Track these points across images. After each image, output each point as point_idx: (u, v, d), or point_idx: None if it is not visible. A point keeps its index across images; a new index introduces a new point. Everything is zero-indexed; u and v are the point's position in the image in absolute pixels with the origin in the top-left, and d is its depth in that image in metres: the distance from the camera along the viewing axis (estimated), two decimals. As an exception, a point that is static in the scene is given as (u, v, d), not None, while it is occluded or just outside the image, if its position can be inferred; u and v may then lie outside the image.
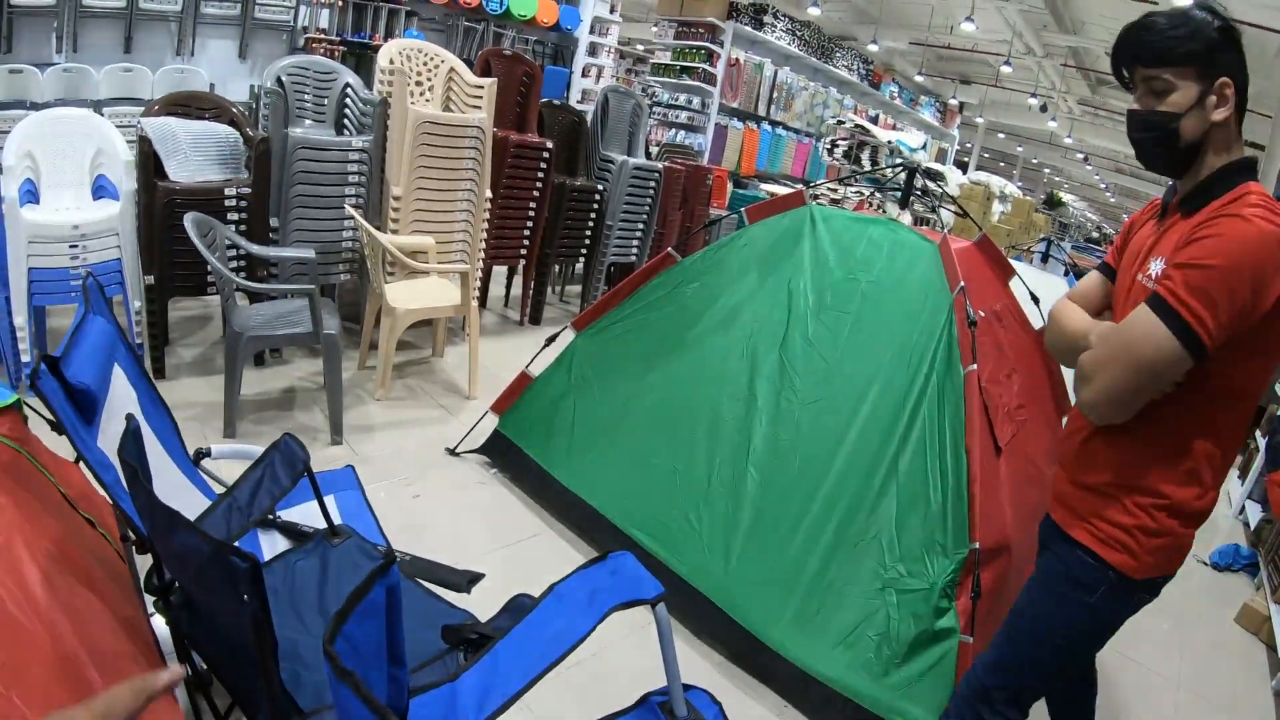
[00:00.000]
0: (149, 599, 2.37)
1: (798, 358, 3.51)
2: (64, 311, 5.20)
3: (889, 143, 10.39)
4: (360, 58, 9.06)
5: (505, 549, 3.73)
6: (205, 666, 2.27)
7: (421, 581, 2.68)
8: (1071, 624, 2.14)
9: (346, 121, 5.63)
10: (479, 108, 5.70)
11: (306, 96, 5.67)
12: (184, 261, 4.68)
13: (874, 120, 16.15)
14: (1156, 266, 1.94)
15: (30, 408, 2.48)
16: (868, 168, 10.00)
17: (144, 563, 2.58)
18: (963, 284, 3.25)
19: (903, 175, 4.32)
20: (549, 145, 6.27)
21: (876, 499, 3.15)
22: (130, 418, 2.06)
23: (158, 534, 1.90)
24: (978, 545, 2.88)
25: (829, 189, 9.45)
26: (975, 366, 3.12)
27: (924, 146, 12.31)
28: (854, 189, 9.45)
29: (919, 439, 3.16)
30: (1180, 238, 1.88)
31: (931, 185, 4.88)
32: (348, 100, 5.64)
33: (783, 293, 3.66)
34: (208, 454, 3.10)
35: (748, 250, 3.88)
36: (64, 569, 1.93)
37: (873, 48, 17.29)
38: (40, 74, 6.94)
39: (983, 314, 3.28)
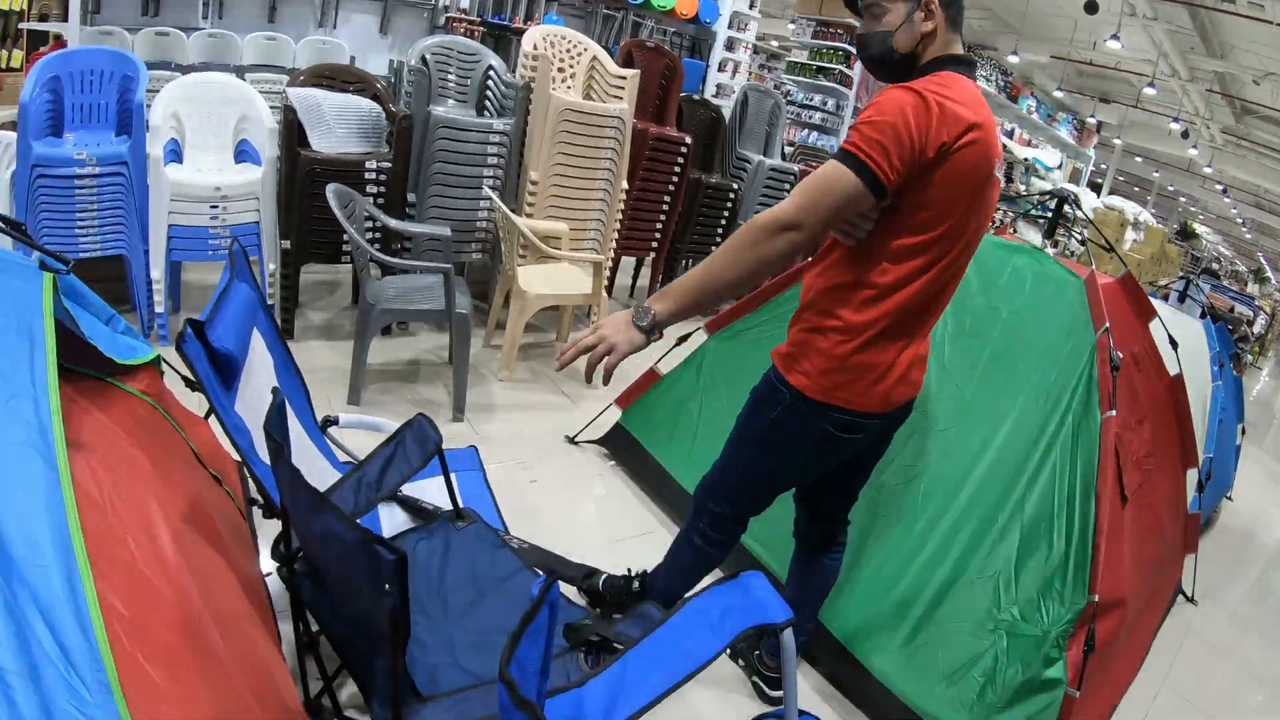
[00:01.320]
0: (264, 556, 2.41)
1: (931, 385, 3.32)
2: (195, 267, 5.36)
3: (1025, 160, 10.11)
4: (499, 39, 9.10)
5: (616, 544, 3.67)
6: (316, 628, 2.27)
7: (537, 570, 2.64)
8: (761, 434, 2.48)
9: (487, 103, 5.64)
10: (620, 98, 5.66)
11: (449, 76, 5.69)
12: (320, 229, 4.76)
13: (1009, 135, 15.81)
14: None
15: (167, 363, 2.49)
16: (1003, 184, 9.76)
17: (263, 523, 2.61)
18: (1108, 324, 3.11)
19: (1049, 202, 4.17)
20: (687, 140, 6.20)
21: (999, 538, 3.01)
22: (276, 391, 2.06)
23: (297, 510, 1.89)
24: (1097, 599, 2.73)
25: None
26: (1114, 413, 2.97)
27: (1060, 166, 11.97)
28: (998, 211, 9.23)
29: (1048, 481, 3.00)
30: None
31: (1077, 212, 4.70)
32: (490, 82, 5.65)
33: None
34: (335, 422, 3.12)
35: None
36: (193, 528, 1.93)
37: (1013, 59, 16.92)
38: (186, 37, 7.11)
39: (1121, 356, 3.13)
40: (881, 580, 3.15)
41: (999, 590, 2.92)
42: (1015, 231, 8.11)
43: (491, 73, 5.65)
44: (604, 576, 3.09)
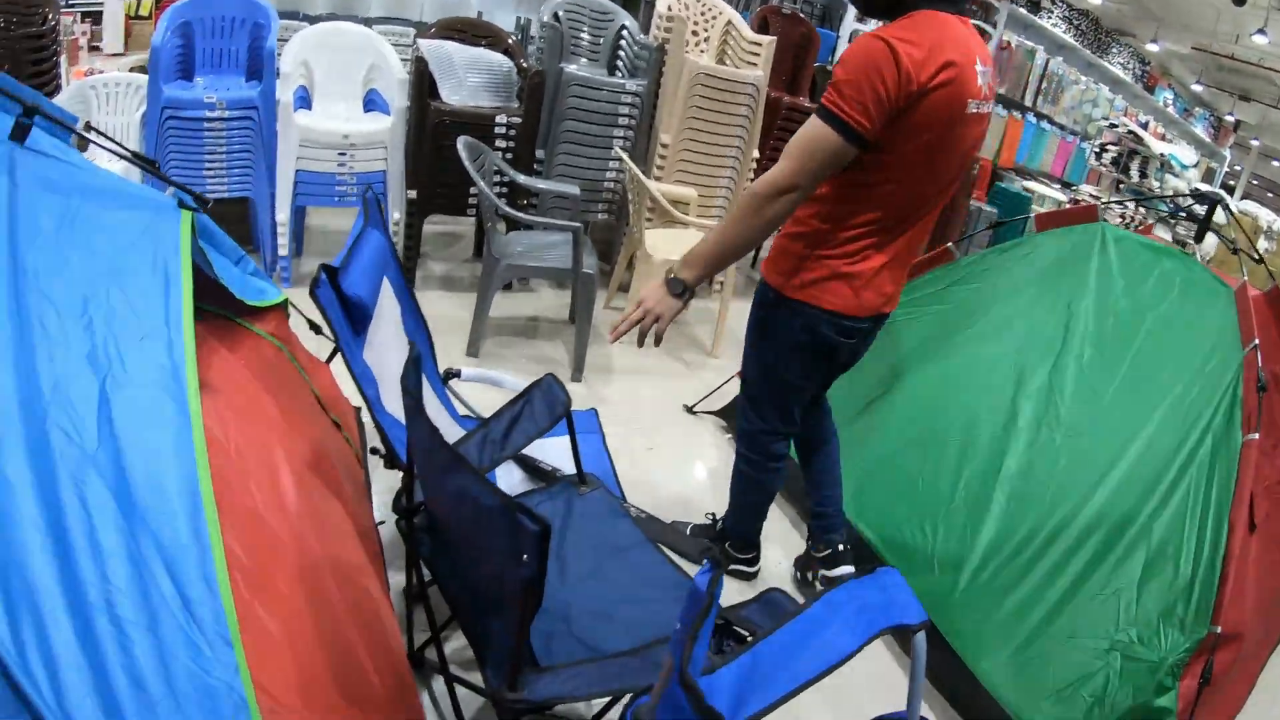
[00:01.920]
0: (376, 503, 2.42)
1: (1067, 384, 3.23)
2: (318, 212, 5.45)
3: (1161, 155, 9.72)
4: (628, 1, 9.00)
5: (730, 520, 3.58)
6: (428, 578, 2.26)
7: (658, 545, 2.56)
8: (755, 337, 2.84)
9: (619, 63, 5.58)
10: (755, 65, 5.52)
11: (582, 34, 5.67)
12: (447, 181, 4.74)
13: (1144, 126, 15.32)
14: None
15: (293, 306, 2.47)
16: (1135, 179, 9.39)
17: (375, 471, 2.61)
18: (1256, 341, 2.97)
19: (1190, 203, 3.97)
20: (820, 111, 6.01)
21: (1124, 554, 2.84)
22: (413, 345, 2.03)
23: (430, 468, 1.84)
24: (1220, 630, 2.59)
25: (1115, 204, 8.88)
26: (1257, 436, 2.81)
27: (1195, 164, 11.52)
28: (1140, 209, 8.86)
29: (1181, 501, 2.84)
30: None
31: (1229, 218, 4.44)
32: (622, 42, 5.59)
33: (1062, 311, 3.41)
34: (457, 375, 3.15)
35: (1031, 259, 3.64)
36: (314, 474, 1.93)
37: (1152, 47, 16.30)
38: None
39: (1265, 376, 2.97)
40: (999, 586, 3.00)
41: (1119, 609, 2.77)
42: (1141, 226, 7.79)
43: (625, 32, 5.59)
44: (690, 526, 3.36)
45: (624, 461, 3.33)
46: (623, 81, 5.13)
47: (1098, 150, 10.49)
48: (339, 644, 1.63)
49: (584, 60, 5.58)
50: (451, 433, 2.66)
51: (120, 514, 1.24)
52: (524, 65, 5.09)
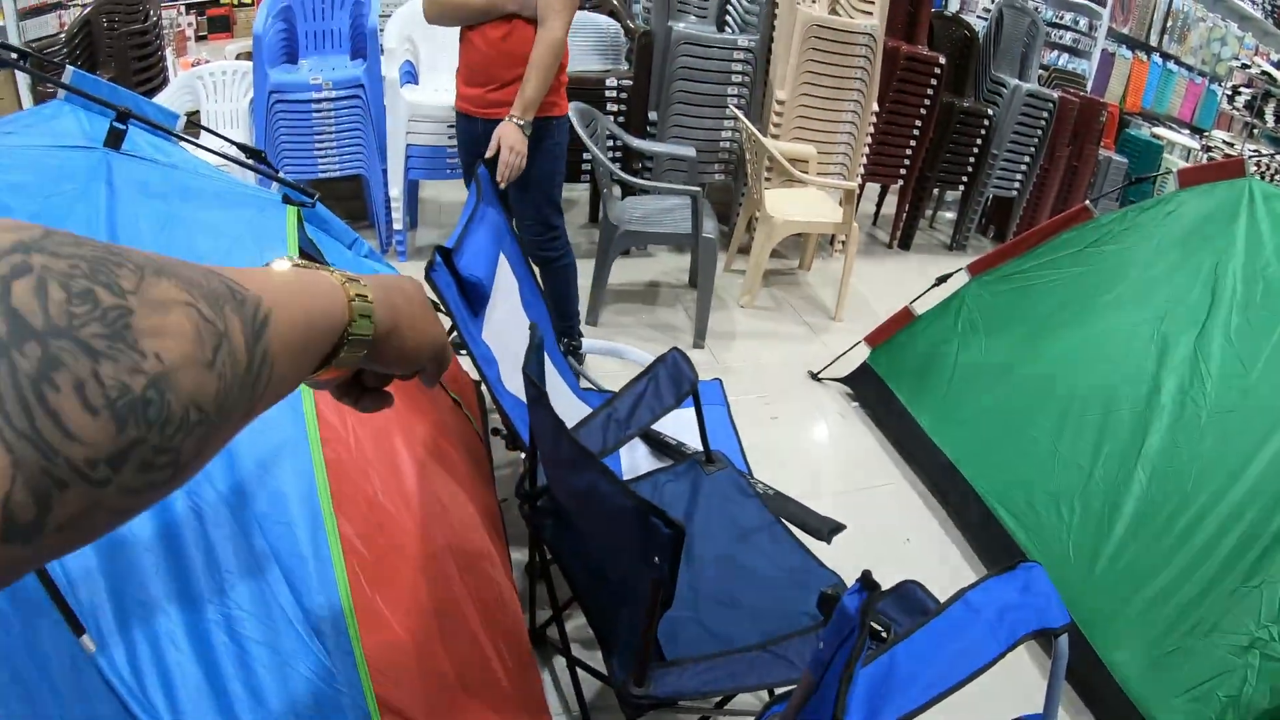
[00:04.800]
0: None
1: (1214, 356, 3.01)
2: (430, 184, 5.51)
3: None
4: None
5: (857, 493, 3.51)
6: (549, 557, 2.23)
7: (784, 522, 2.48)
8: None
9: (729, 19, 5.46)
10: (870, 14, 5.35)
11: (689, -9, 5.52)
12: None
13: (1277, 66, 14.67)
14: None
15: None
16: (1271, 123, 8.97)
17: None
18: None
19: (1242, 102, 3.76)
20: (941, 61, 5.81)
21: (1272, 544, 2.64)
22: (534, 328, 2.02)
23: (558, 463, 1.81)
24: None
25: (1223, 141, 8.53)
26: None
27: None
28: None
29: None
30: None
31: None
32: (731, -4, 5.43)
33: (1207, 276, 3.18)
34: (574, 348, 3.11)
35: (1175, 219, 3.42)
36: (435, 458, 1.91)
37: (1286, -16, 15.65)
38: None
39: None
40: (1138, 572, 2.85)
41: (1261, 603, 2.59)
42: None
43: (734, -14, 5.42)
44: None
45: (749, 430, 3.26)
46: (734, 37, 5.03)
47: (1229, 93, 10.09)
48: (463, 635, 1.62)
49: (692, 17, 5.46)
50: (573, 410, 2.61)
51: (236, 525, 1.22)
52: (630, 26, 5.00)
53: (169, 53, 5.74)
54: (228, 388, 0.50)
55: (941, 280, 3.88)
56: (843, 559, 2.24)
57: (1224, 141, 9.63)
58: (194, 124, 1.95)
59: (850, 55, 5.15)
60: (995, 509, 3.24)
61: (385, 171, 4.64)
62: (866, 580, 1.25)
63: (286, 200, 1.80)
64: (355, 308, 0.71)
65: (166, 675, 1.07)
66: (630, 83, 4.88)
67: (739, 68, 5.02)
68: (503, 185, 3.05)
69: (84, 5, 5.11)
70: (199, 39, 9.11)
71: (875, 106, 5.50)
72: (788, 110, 5.13)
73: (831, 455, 3.82)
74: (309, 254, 1.75)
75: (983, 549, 3.30)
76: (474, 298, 2.21)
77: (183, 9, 8.79)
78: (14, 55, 1.93)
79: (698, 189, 4.08)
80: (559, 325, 3.53)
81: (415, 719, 1.34)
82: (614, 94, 4.86)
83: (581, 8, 5.05)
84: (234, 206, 1.67)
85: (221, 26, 9.97)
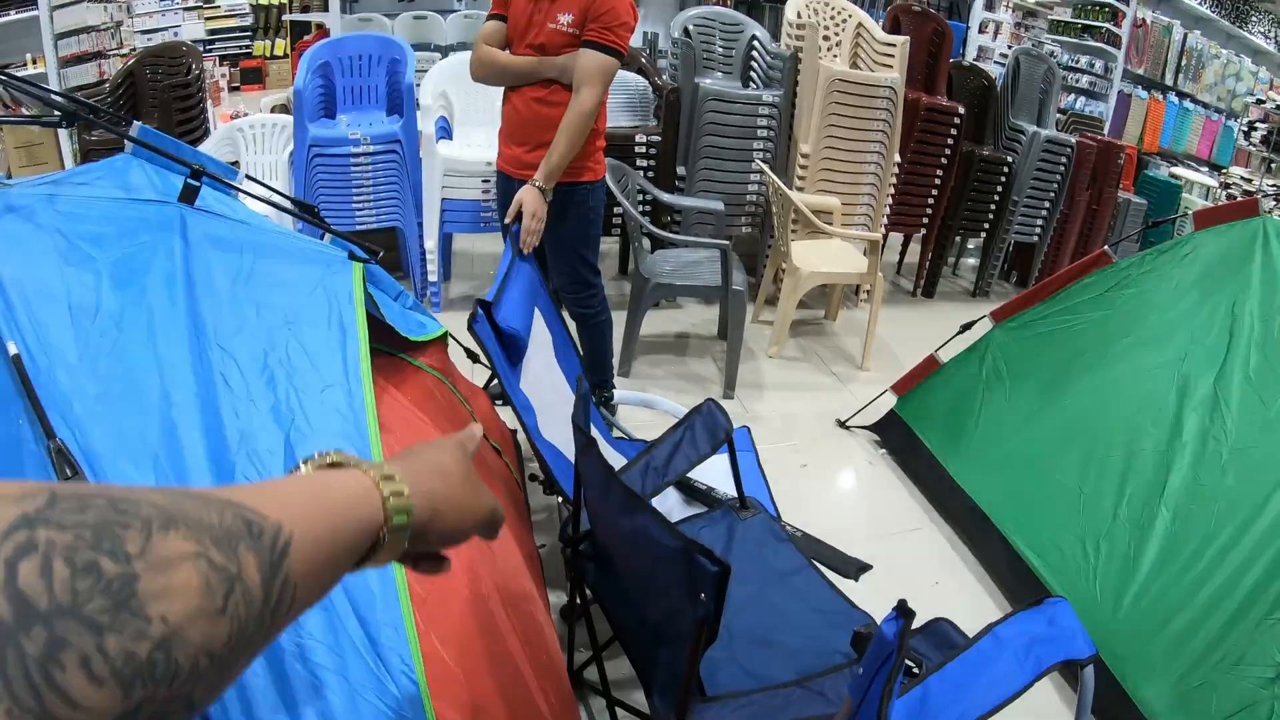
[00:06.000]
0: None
1: (1234, 394, 3.05)
2: (463, 236, 5.59)
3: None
4: (752, 6, 8.98)
5: (886, 538, 3.57)
6: (590, 596, 2.29)
7: (817, 565, 2.55)
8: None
9: (753, 74, 5.59)
10: (890, 66, 5.47)
11: (714, 47, 5.70)
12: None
13: (1284, 88, 14.66)
14: (565, 19, 3.14)
15: (452, 338, 2.53)
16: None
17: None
18: None
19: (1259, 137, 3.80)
20: (960, 110, 5.93)
21: None
22: (582, 380, 2.12)
23: (606, 506, 1.90)
24: None
25: (1241, 178, 8.58)
26: None
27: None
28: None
29: None
30: None
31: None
32: (754, 53, 5.61)
33: (1225, 315, 3.22)
34: (606, 398, 3.16)
35: (1191, 260, 3.45)
36: None
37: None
38: (443, 20, 7.51)
39: None
40: (1164, 609, 2.86)
41: None
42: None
43: (756, 43, 5.61)
44: None
45: (779, 478, 3.32)
46: (759, 93, 5.15)
47: (1245, 129, 10.14)
48: (509, 670, 1.67)
49: (718, 74, 5.61)
50: (608, 459, 2.69)
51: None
52: (658, 82, 5.12)
53: (209, 104, 5.90)
54: (241, 627, 0.51)
55: (966, 328, 3.95)
56: (874, 601, 2.28)
57: (1242, 178, 9.66)
58: (249, 178, 2.05)
59: (872, 108, 5.27)
60: (1022, 551, 3.28)
61: (420, 224, 4.76)
62: (902, 608, 1.32)
63: (352, 256, 1.88)
64: (390, 506, 0.71)
65: (247, 700, 1.15)
66: (659, 138, 5.00)
67: (764, 122, 5.13)
68: (526, 251, 3.10)
69: (125, 56, 5.26)
70: (232, 90, 9.33)
71: (897, 157, 5.59)
72: (812, 163, 5.24)
73: (860, 502, 3.88)
74: (371, 312, 1.85)
75: (1010, 591, 3.34)
76: (512, 349, 2.31)
77: (217, 60, 9.02)
78: (83, 109, 2.01)
79: (727, 243, 4.18)
80: (593, 378, 3.65)
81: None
82: (644, 149, 4.99)
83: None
84: (303, 263, 1.76)
85: (254, 78, 10.27)
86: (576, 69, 3.14)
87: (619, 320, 4.29)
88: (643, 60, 5.30)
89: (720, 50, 5.70)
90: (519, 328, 2.32)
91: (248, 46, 10.13)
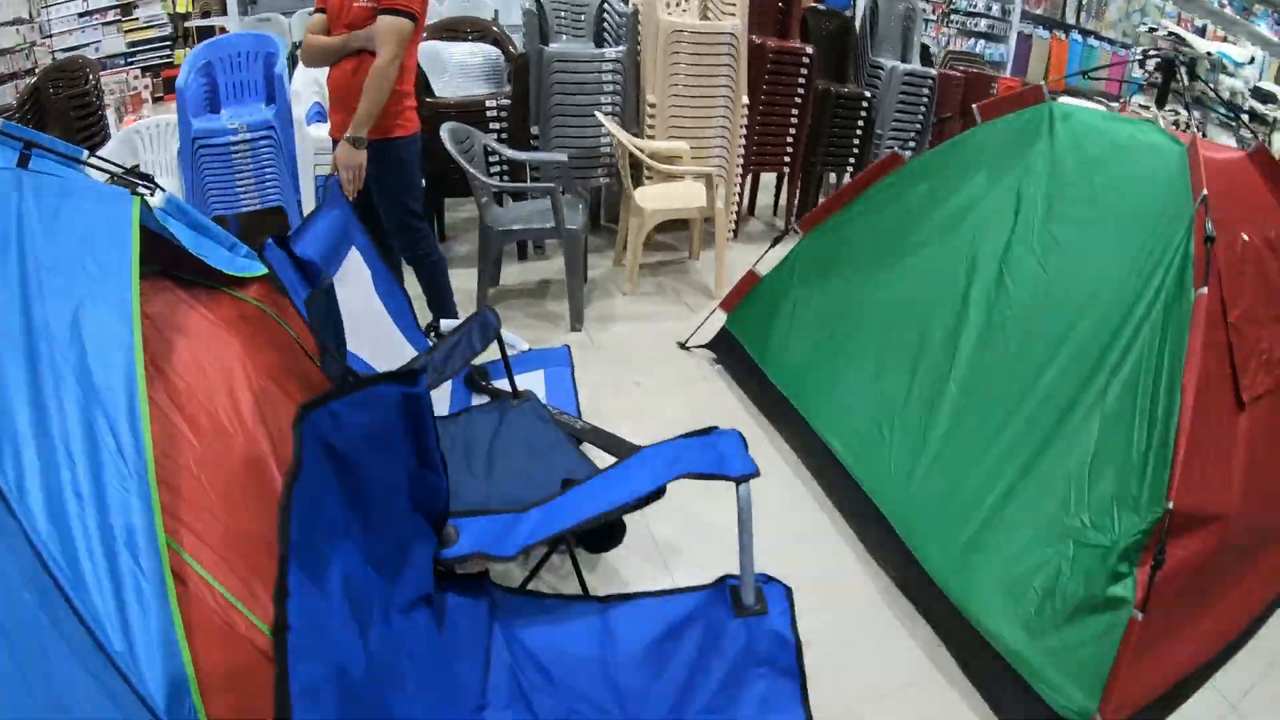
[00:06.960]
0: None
1: (1017, 269, 3.14)
2: None
3: (1209, 55, 9.60)
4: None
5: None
6: None
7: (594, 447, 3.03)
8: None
9: (606, 34, 5.92)
10: (734, 14, 5.78)
11: (563, 13, 6.06)
12: (455, 166, 5.11)
13: (1201, 32, 14.98)
14: None
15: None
16: (1184, 85, 9.30)
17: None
18: (1205, 193, 2.70)
19: (1153, 65, 4.00)
20: (809, 51, 6.13)
21: (1075, 434, 2.69)
22: (325, 276, 2.52)
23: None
24: (1172, 505, 2.36)
25: (1139, 106, 8.89)
26: (1205, 290, 2.56)
27: (1252, 61, 11.25)
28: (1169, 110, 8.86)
29: (1133, 368, 2.64)
30: None
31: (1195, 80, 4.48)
32: (605, 14, 5.94)
33: (1011, 197, 3.29)
34: (436, 328, 3.69)
35: (978, 151, 3.56)
36: (277, 392, 2.36)
37: (1200, -57, 16.00)
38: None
39: (1246, 238, 2.78)
40: (951, 479, 2.97)
41: (1070, 493, 2.62)
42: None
43: (607, 5, 5.93)
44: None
45: (613, 398, 3.74)
46: (600, 51, 5.50)
47: (1139, 58, 10.40)
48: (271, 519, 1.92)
49: (566, 37, 5.95)
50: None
51: (82, 395, 1.73)
52: (510, 51, 5.52)
53: (110, 113, 6.26)
54: None
55: (777, 240, 4.30)
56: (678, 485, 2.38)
57: (1140, 105, 9.98)
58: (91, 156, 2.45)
59: (714, 55, 5.58)
60: (826, 438, 3.55)
61: (300, 202, 5.14)
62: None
63: (133, 191, 2.25)
64: None
65: (20, 471, 1.57)
66: (508, 102, 5.38)
67: (609, 78, 5.46)
68: (350, 199, 3.47)
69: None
70: (155, 100, 9.54)
71: (746, 99, 5.86)
72: (660, 111, 5.58)
73: (686, 410, 4.14)
74: (168, 239, 2.28)
75: (817, 473, 3.61)
76: (309, 274, 2.62)
77: (139, 72, 9.25)
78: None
79: (552, 186, 4.56)
80: (437, 314, 4.09)
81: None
82: (494, 113, 5.37)
83: (466, 38, 5.60)
84: (98, 200, 2.18)
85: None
86: (375, 35, 3.51)
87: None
88: (495, 32, 5.67)
89: (571, 16, 6.05)
90: (315, 257, 2.61)
91: (169, 56, 10.24)
